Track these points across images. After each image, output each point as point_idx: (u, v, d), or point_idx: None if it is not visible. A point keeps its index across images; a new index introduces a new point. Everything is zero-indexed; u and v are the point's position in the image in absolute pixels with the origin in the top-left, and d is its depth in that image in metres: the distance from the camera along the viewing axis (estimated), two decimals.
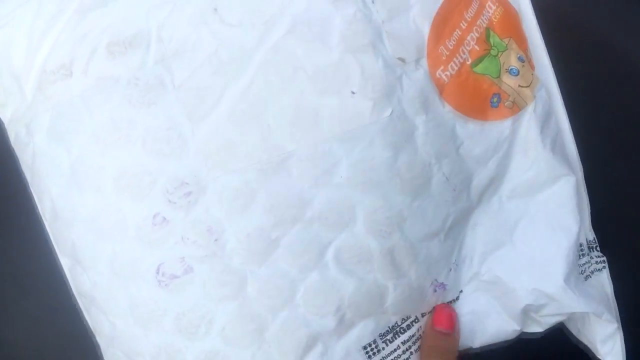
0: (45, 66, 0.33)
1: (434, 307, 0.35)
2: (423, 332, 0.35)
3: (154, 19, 0.31)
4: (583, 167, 0.37)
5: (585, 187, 0.37)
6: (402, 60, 0.32)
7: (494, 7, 0.35)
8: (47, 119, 0.33)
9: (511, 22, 0.35)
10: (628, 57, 0.39)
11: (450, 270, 0.35)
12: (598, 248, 0.37)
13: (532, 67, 0.36)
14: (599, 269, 0.37)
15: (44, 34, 0.33)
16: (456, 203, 0.34)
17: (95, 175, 0.32)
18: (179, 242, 0.32)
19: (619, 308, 0.37)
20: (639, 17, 0.39)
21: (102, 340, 0.36)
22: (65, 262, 0.36)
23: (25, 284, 0.40)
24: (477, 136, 0.34)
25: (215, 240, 0.32)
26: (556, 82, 0.37)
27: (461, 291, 0.36)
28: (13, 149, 0.36)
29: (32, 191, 0.36)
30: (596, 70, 0.40)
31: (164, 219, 0.32)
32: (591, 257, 0.37)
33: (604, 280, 0.37)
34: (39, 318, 0.40)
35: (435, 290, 0.35)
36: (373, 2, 0.32)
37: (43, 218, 0.36)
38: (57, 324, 0.40)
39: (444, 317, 0.35)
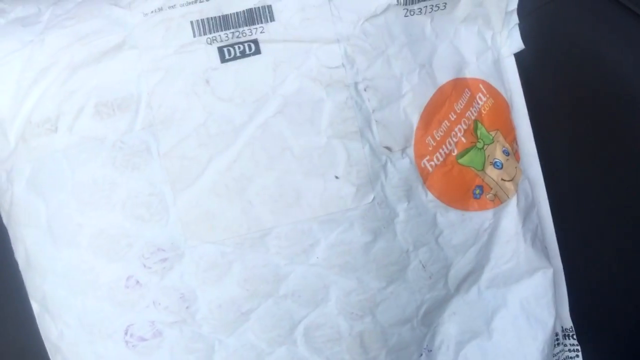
0: (30, 117, 0.32)
1: None
2: None
3: (145, 84, 0.31)
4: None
5: (564, 276, 0.38)
6: (389, 148, 0.32)
7: (484, 99, 0.35)
8: (28, 170, 0.33)
9: (500, 113, 0.36)
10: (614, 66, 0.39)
11: (422, 355, 0.35)
12: (574, 336, 0.38)
13: (517, 159, 0.36)
14: (571, 357, 0.38)
15: (32, 85, 0.32)
16: (432, 291, 0.34)
17: (72, 231, 0.32)
18: (150, 306, 0.32)
19: None
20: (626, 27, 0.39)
21: None
22: (35, 307, 0.36)
23: None
24: (457, 225, 0.34)
25: (187, 307, 0.32)
26: (540, 172, 0.37)
27: None
28: None
29: (9, 233, 0.36)
30: (581, 79, 0.40)
31: (137, 282, 0.32)
32: (565, 345, 0.38)
33: None
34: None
35: None
36: (365, 89, 0.32)
37: (18, 260, 0.36)
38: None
39: None
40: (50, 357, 0.36)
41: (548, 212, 0.37)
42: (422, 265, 0.33)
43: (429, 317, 0.35)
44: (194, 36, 0.31)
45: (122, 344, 0.32)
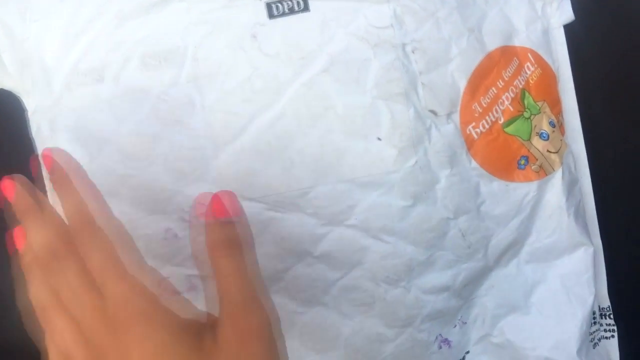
0: (77, 66, 0.32)
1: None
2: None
3: (191, 37, 0.31)
4: None
5: (603, 255, 0.37)
6: (434, 112, 0.32)
7: (532, 69, 0.34)
8: (73, 120, 0.33)
9: (547, 84, 0.35)
10: None
11: (456, 326, 0.35)
12: (611, 316, 0.37)
13: (563, 132, 0.35)
14: (607, 337, 0.37)
15: (80, 34, 0.32)
16: (469, 261, 0.34)
17: (114, 182, 0.32)
18: (187, 260, 0.32)
19: None
20: None
21: None
22: None
23: None
24: (500, 196, 0.33)
25: None
26: (584, 147, 0.36)
27: (467, 352, 0.36)
28: (33, 138, 0.36)
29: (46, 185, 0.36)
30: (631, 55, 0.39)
31: (176, 235, 0.32)
32: (601, 325, 0.37)
33: (611, 349, 0.37)
34: None
35: (440, 347, 0.34)
36: (413, 51, 0.31)
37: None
38: None
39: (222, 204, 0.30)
40: None
41: (590, 188, 0.37)
42: (462, 233, 0.33)
43: (467, 289, 0.34)
44: None
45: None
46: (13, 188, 0.31)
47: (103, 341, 0.27)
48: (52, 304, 0.29)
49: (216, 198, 0.30)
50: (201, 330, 0.28)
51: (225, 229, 0.30)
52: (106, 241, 0.29)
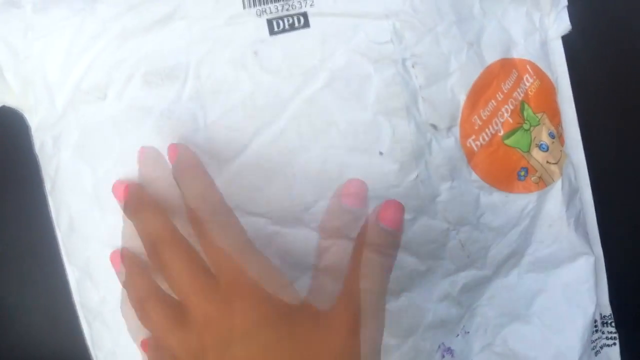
0: (80, 84, 0.33)
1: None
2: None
3: (193, 54, 0.31)
4: None
5: (604, 263, 0.38)
6: (435, 126, 0.32)
7: (531, 80, 0.35)
8: (76, 136, 0.33)
9: (547, 96, 0.35)
10: None
11: (458, 336, 0.35)
12: (613, 324, 0.38)
13: (562, 143, 0.36)
14: (609, 345, 0.38)
15: (83, 52, 0.33)
16: (469, 269, 0.34)
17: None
18: None
19: None
20: None
21: (101, 353, 0.37)
22: (73, 272, 0.36)
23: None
24: (501, 207, 0.34)
25: None
26: (584, 157, 0.37)
27: None
28: (37, 155, 0.36)
29: (50, 200, 0.36)
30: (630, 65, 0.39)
31: None
32: (602, 333, 0.37)
33: (613, 356, 0.38)
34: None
35: (443, 356, 0.35)
36: (413, 66, 0.31)
37: (57, 228, 0.36)
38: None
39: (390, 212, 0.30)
40: (85, 322, 0.37)
41: (590, 198, 0.37)
42: (461, 244, 0.33)
43: (467, 297, 0.35)
44: (244, 8, 0.31)
45: None
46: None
47: (208, 310, 0.27)
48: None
49: (389, 206, 0.30)
50: (304, 314, 0.28)
51: (390, 236, 0.30)
52: (239, 224, 0.30)
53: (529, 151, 0.34)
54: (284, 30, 0.31)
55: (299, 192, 0.31)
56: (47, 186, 0.36)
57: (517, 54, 0.35)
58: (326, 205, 0.32)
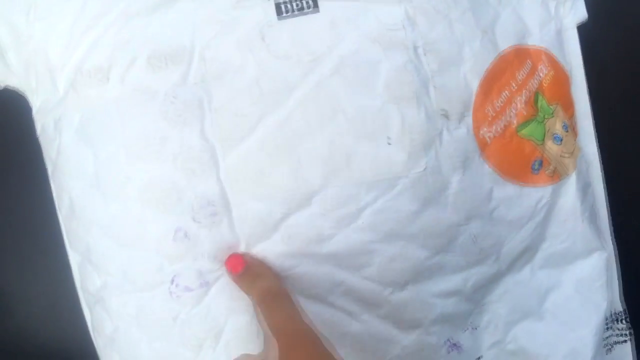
0: (82, 66, 0.32)
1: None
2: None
3: (199, 37, 0.31)
4: None
5: (616, 260, 0.37)
6: (446, 115, 0.31)
7: (545, 71, 0.34)
8: (77, 119, 0.32)
9: (561, 86, 0.34)
10: None
11: (466, 331, 0.34)
12: (626, 320, 0.37)
13: (575, 135, 0.35)
14: (620, 342, 0.37)
15: (85, 33, 0.32)
16: (480, 265, 0.33)
17: (121, 183, 0.32)
18: (198, 258, 0.32)
19: None
20: None
21: (100, 339, 0.36)
22: (74, 257, 0.36)
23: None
24: (514, 200, 0.33)
25: None
26: (597, 151, 0.36)
27: (479, 357, 0.35)
28: (38, 138, 0.36)
29: (52, 183, 0.36)
30: None
31: (186, 234, 0.32)
32: (614, 330, 0.36)
33: (625, 353, 0.37)
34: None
35: (449, 351, 0.34)
36: (425, 53, 0.31)
37: (58, 211, 0.36)
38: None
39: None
40: (86, 307, 0.37)
41: (602, 192, 0.36)
42: (473, 239, 0.32)
43: (478, 293, 0.34)
44: None
45: (166, 294, 0.32)
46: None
47: None
48: None
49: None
50: None
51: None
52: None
53: (543, 143, 0.33)
54: (292, 14, 0.31)
55: (305, 178, 0.31)
56: (49, 169, 0.36)
57: (532, 42, 0.34)
58: (333, 193, 0.31)
